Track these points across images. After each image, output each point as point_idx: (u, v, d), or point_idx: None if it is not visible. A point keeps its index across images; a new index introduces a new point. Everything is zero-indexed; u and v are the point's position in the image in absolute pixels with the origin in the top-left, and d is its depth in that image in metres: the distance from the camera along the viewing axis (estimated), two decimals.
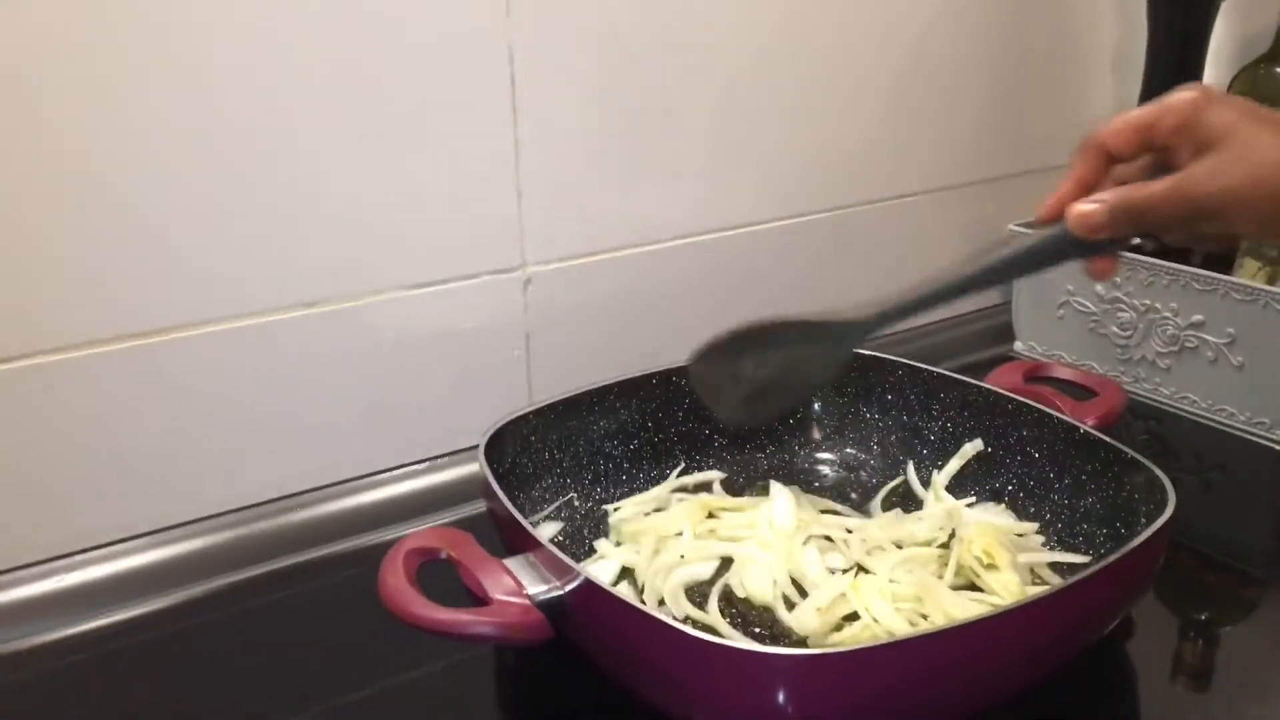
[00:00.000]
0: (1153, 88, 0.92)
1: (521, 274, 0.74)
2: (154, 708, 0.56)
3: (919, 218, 0.94)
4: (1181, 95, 0.51)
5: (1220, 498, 0.76)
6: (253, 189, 0.64)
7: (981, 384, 0.68)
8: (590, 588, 0.49)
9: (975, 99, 0.95)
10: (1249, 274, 0.80)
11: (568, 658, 0.52)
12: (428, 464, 0.74)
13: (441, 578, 0.52)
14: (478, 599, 0.50)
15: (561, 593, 0.50)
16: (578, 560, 0.58)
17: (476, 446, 0.73)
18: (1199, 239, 0.57)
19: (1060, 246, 0.53)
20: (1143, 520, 0.56)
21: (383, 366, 0.71)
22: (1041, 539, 0.64)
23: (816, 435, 0.74)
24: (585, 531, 0.66)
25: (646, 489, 0.69)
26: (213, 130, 0.62)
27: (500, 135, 0.71)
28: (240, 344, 0.66)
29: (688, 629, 0.46)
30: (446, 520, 0.69)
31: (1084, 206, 0.51)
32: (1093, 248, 0.52)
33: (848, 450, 0.73)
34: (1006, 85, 0.97)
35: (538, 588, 0.50)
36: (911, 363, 0.72)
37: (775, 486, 0.68)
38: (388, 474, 0.73)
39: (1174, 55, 0.90)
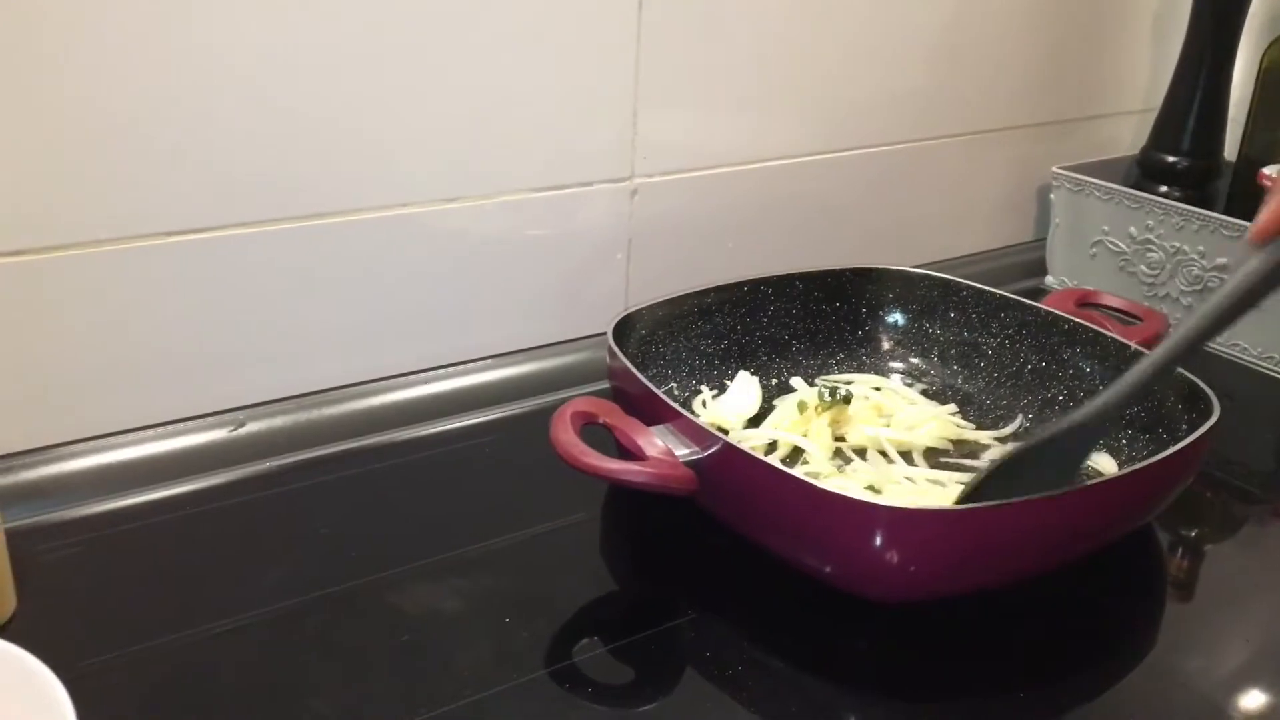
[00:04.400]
0: (1191, 52, 1.00)
1: (630, 184, 0.82)
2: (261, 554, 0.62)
3: (972, 156, 1.03)
4: None
5: (1228, 423, 0.86)
6: (402, 87, 0.70)
7: (1040, 306, 0.77)
8: (729, 449, 0.57)
9: (1020, 48, 1.02)
10: None
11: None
12: (534, 351, 0.82)
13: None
14: (630, 457, 0.59)
15: (703, 455, 0.58)
16: None
17: (580, 338, 0.82)
18: None
19: None
20: (1185, 427, 0.65)
21: (504, 260, 0.78)
22: None
23: (885, 346, 0.83)
24: None
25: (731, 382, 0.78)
26: (351, 32, 0.67)
27: (623, 58, 0.78)
28: (382, 232, 0.73)
29: (814, 481, 0.55)
30: (556, 397, 0.78)
31: None
32: None
33: (912, 360, 0.82)
34: (1050, 37, 1.04)
35: (682, 450, 0.59)
36: (976, 285, 0.80)
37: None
38: (501, 358, 0.81)
39: (1213, 23, 0.98)
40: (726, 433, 0.68)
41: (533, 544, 0.64)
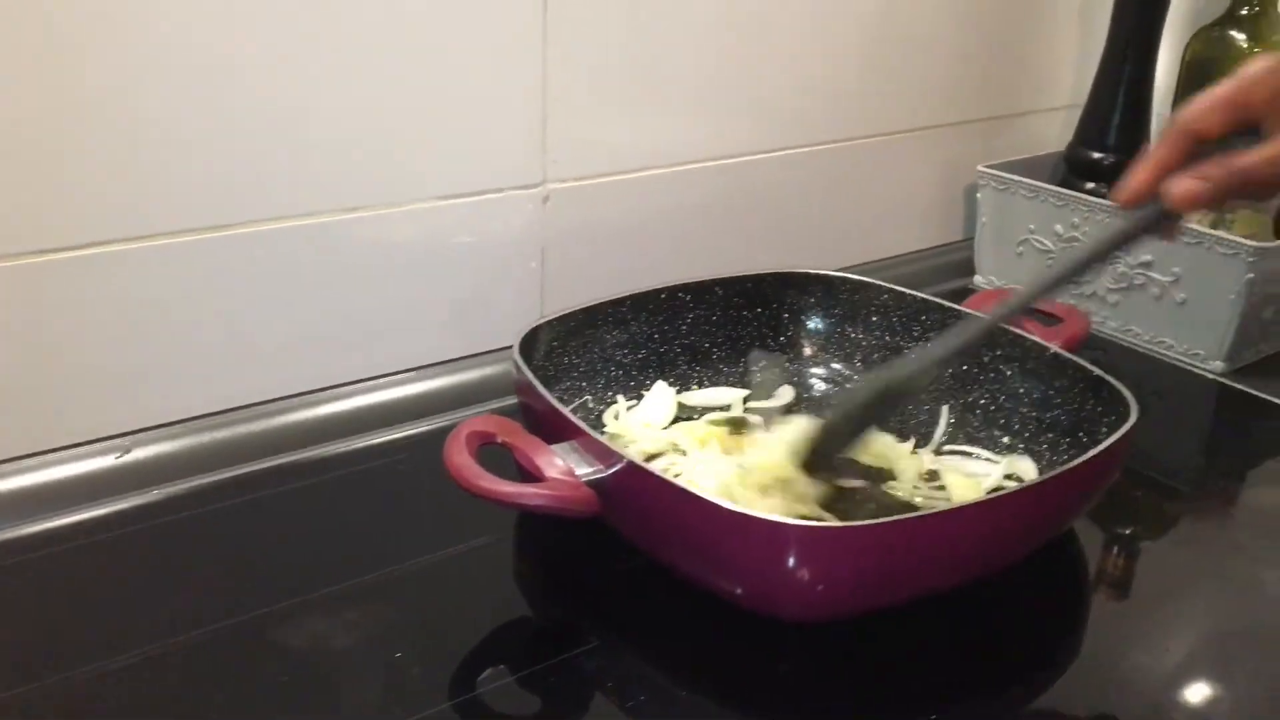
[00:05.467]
0: (1114, 46, 0.99)
1: (542, 190, 0.79)
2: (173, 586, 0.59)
3: (898, 155, 1.01)
4: (1260, 66, 0.52)
5: (1155, 421, 0.84)
6: (292, 97, 0.67)
7: (960, 308, 0.76)
8: (633, 468, 0.55)
9: (945, 46, 1.01)
10: (1193, 219, 0.89)
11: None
12: (444, 365, 0.79)
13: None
14: (531, 478, 0.56)
15: (606, 473, 0.56)
16: None
17: (491, 351, 0.79)
18: None
19: (1148, 224, 0.55)
20: (1104, 429, 0.64)
21: (411, 271, 0.75)
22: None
23: (807, 351, 0.81)
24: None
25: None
26: (245, 39, 0.65)
27: (529, 58, 0.75)
28: (282, 243, 0.70)
29: (721, 501, 0.52)
30: (465, 414, 0.75)
31: (1188, 185, 0.52)
32: (1172, 219, 0.55)
33: (834, 365, 0.80)
34: (975, 34, 1.03)
35: (584, 469, 0.56)
36: (897, 288, 0.79)
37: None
38: (407, 374, 0.78)
39: (1135, 16, 0.97)
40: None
41: (441, 569, 0.61)
